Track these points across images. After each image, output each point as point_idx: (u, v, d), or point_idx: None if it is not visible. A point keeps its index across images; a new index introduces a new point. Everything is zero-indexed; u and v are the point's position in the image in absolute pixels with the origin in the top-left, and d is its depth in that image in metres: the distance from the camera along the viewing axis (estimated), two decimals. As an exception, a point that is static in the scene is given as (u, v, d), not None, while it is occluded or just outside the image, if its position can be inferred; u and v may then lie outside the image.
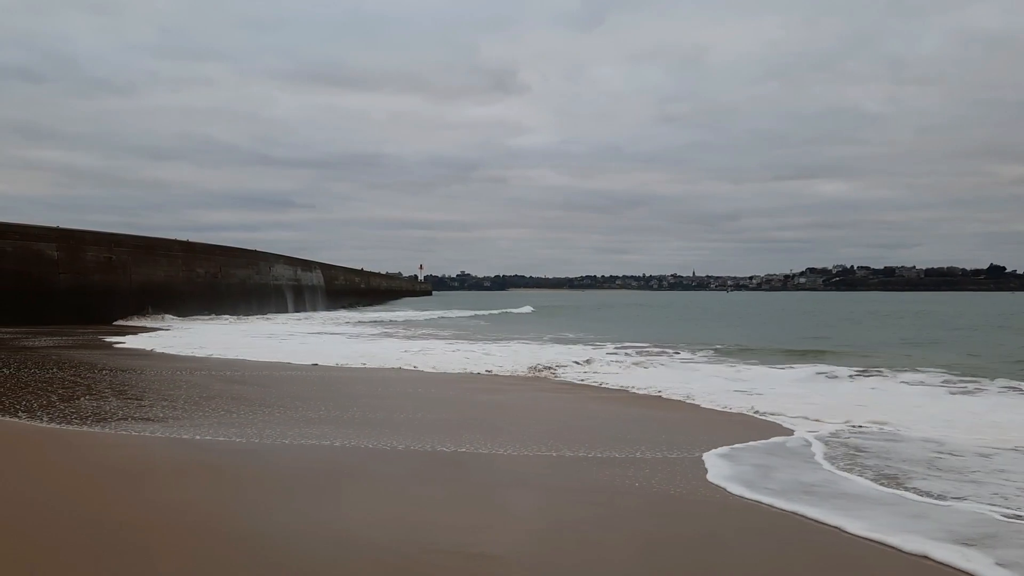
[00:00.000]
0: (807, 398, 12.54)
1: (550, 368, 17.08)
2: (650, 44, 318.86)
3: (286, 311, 55.14)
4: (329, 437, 8.85)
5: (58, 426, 9.32)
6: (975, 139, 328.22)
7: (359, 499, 6.38)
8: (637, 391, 13.51)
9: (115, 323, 35.13)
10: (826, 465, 7.63)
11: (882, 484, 6.91)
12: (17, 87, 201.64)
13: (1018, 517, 5.92)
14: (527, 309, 71.70)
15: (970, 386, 14.32)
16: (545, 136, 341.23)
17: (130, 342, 24.31)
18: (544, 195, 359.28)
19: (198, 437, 8.74)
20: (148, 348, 22.26)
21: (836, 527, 5.65)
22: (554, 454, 8.15)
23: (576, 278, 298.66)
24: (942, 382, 14.94)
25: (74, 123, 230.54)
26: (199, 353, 20.55)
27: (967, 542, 5.30)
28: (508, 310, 69.05)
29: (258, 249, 56.12)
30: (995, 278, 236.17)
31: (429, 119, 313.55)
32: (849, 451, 8.35)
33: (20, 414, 10.09)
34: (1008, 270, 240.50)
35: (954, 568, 4.88)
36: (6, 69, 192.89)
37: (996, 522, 5.80)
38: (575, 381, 15.20)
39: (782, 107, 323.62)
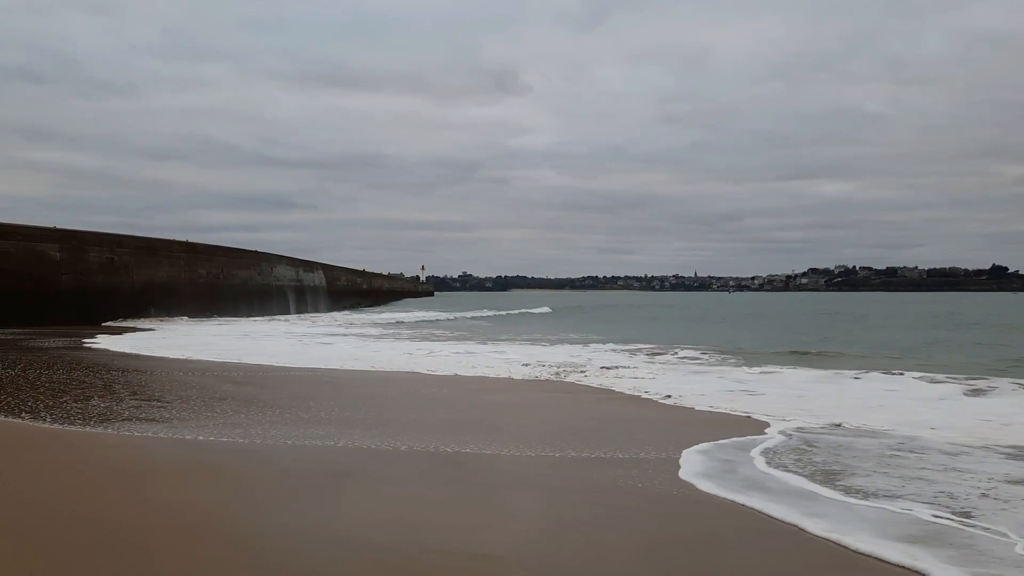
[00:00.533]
0: (806, 399, 12.52)
1: (556, 369, 17.04)
2: (651, 44, 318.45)
3: (288, 312, 55.10)
4: (332, 438, 8.84)
5: None
6: (977, 139, 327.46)
7: (360, 499, 6.37)
8: (636, 393, 13.49)
9: (104, 324, 34.58)
10: (759, 462, 7.74)
11: (816, 481, 6.96)
12: (18, 88, 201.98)
13: (947, 518, 5.82)
14: (545, 309, 72.01)
15: (980, 384, 14.27)
16: (546, 136, 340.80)
17: (104, 343, 23.70)
18: (545, 195, 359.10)
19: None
20: (118, 349, 21.62)
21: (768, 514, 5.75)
22: (557, 455, 8.14)
23: (578, 278, 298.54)
24: (946, 379, 14.92)
25: (75, 124, 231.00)
26: (171, 354, 19.86)
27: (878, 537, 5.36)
28: (528, 310, 69.28)
29: (260, 250, 56.21)
30: (997, 278, 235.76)
31: (430, 119, 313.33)
32: (804, 449, 8.42)
33: None
34: (1011, 270, 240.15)
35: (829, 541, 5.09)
36: (7, 70, 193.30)
37: (920, 522, 5.76)
38: (578, 383, 15.19)
39: (783, 107, 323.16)
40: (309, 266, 67.09)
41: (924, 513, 5.97)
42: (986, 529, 5.57)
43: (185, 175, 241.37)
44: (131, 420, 9.90)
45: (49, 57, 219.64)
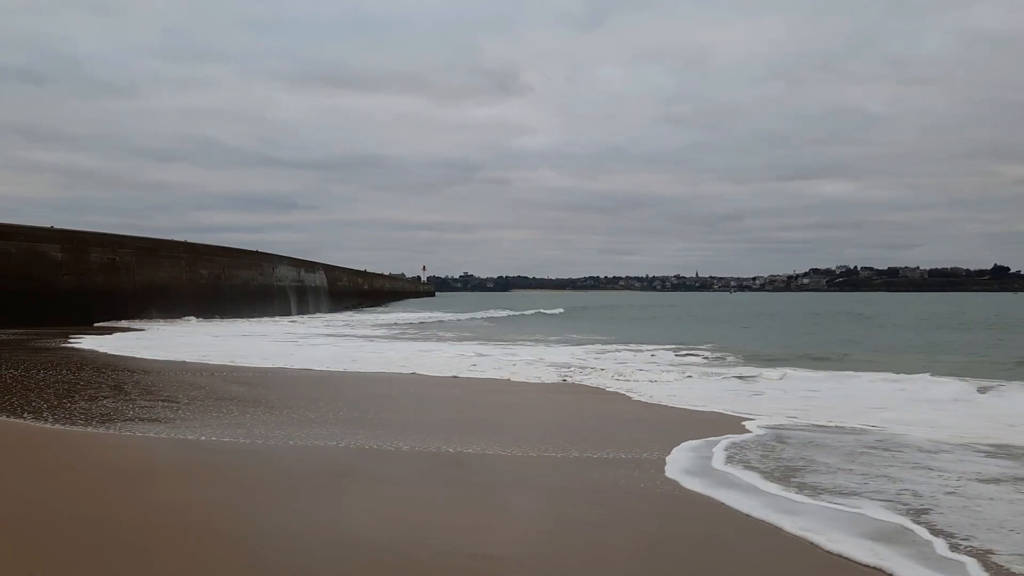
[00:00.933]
0: (808, 399, 12.51)
1: (563, 371, 16.97)
2: (652, 44, 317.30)
3: (290, 313, 55.07)
4: (335, 438, 8.83)
5: None
6: (978, 139, 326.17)
7: (360, 499, 6.36)
8: (640, 396, 13.46)
9: (97, 324, 34.02)
10: (719, 458, 7.83)
11: (772, 479, 6.99)
12: (19, 89, 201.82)
13: (894, 517, 5.78)
14: (558, 310, 71.60)
15: (990, 384, 14.00)
16: (547, 137, 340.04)
17: (87, 343, 23.28)
18: (547, 196, 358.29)
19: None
20: (102, 350, 21.20)
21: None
22: (558, 455, 8.13)
23: (579, 279, 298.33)
24: (955, 379, 14.79)
25: (76, 124, 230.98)
26: (156, 356, 19.38)
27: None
28: (541, 311, 68.75)
29: (261, 250, 56.23)
30: (999, 278, 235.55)
31: (431, 120, 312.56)
32: (774, 445, 8.51)
33: None
34: (1012, 270, 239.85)
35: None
36: (7, 71, 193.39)
37: (867, 520, 5.73)
38: (582, 383, 15.17)
39: (785, 107, 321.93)
40: (310, 267, 67.11)
41: (874, 511, 5.94)
42: (933, 528, 5.54)
43: (186, 176, 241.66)
44: (84, 419, 9.90)
45: (49, 57, 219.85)
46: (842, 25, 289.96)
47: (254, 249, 55.15)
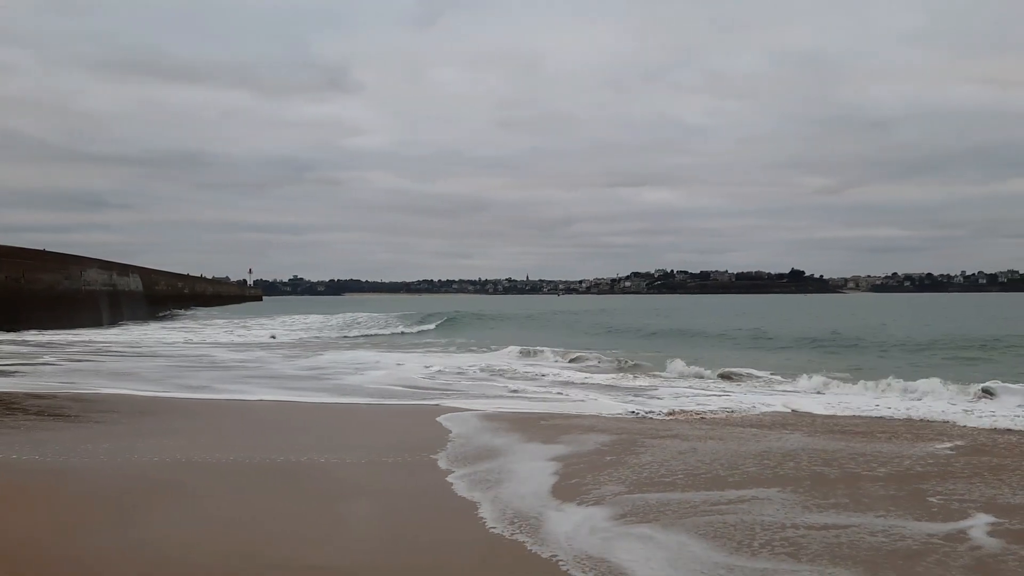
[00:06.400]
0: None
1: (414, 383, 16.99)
2: (488, 48, 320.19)
3: (101, 323, 50.82)
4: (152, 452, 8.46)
5: None
6: (785, 152, 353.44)
7: (182, 515, 6.13)
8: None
9: None
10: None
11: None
12: None
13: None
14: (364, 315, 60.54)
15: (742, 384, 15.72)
16: (382, 137, 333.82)
17: None
18: (381, 198, 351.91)
19: None
20: None
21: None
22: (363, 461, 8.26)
23: (413, 282, 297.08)
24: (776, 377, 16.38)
25: None
26: None
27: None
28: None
29: (68, 252, 51.67)
30: (796, 281, 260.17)
31: (260, 116, 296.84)
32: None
33: None
34: (807, 274, 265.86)
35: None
36: None
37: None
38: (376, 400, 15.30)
39: (615, 116, 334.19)
40: (124, 270, 62.47)
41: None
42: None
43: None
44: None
45: None
46: (668, 38, 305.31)
47: (60, 251, 50.61)
